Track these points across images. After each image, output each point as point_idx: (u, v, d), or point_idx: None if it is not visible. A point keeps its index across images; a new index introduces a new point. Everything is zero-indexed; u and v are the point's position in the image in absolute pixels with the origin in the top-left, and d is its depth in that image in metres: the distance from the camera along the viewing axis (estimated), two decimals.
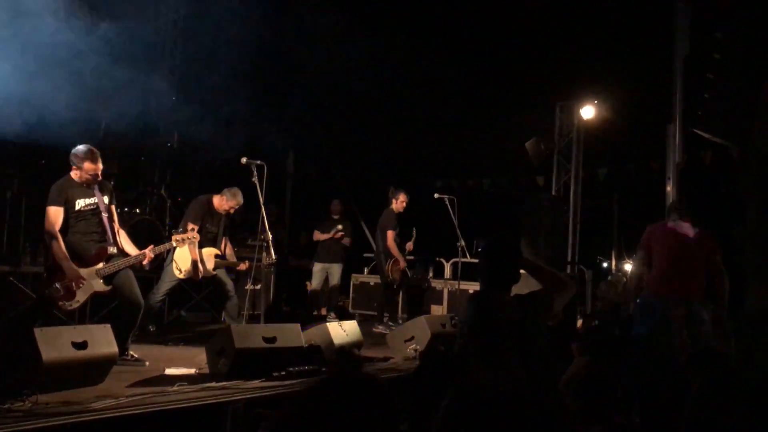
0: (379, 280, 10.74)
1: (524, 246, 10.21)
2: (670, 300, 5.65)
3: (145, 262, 5.57)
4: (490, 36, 11.27)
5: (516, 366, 3.14)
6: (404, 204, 8.89)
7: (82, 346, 4.46)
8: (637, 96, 10.41)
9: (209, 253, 6.91)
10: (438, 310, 9.68)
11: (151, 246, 5.63)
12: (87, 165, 5.27)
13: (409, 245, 9.17)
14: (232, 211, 7.06)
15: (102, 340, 4.66)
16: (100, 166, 5.35)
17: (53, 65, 9.67)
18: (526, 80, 11.07)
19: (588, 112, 10.74)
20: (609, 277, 9.75)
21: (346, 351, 5.70)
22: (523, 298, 3.39)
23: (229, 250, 7.21)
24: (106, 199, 5.47)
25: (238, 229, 9.16)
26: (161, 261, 7.56)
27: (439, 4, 11.51)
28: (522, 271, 3.45)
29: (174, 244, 5.97)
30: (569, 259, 10.82)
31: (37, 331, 4.21)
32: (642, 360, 3.95)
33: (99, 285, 5.31)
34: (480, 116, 11.10)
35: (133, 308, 5.46)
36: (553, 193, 11.35)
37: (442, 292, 9.89)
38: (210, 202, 7.01)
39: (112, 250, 5.43)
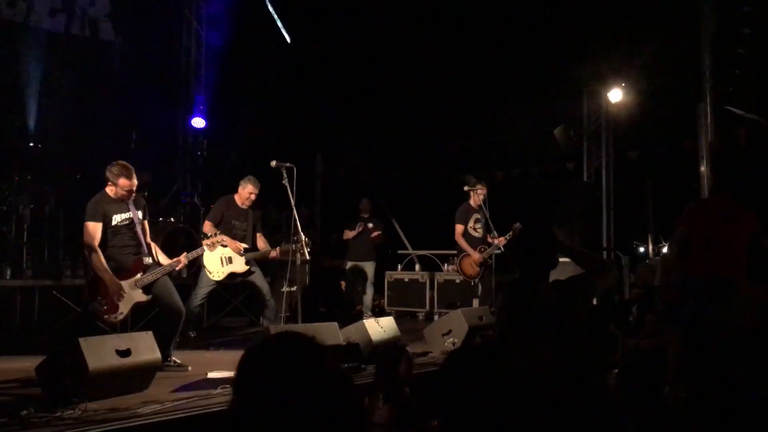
0: (413, 277, 10.79)
1: (558, 234, 10.12)
2: (711, 279, 5.56)
3: (179, 268, 5.67)
4: (515, 24, 11.18)
5: (553, 352, 3.13)
6: (482, 196, 8.28)
7: (125, 353, 4.55)
8: (666, 76, 10.24)
9: (239, 246, 6.90)
10: (474, 302, 9.63)
11: (185, 253, 5.73)
12: (122, 181, 5.38)
13: (500, 239, 8.11)
14: (253, 196, 7.03)
15: (145, 347, 4.74)
16: (135, 181, 5.46)
17: (87, 82, 9.91)
18: (552, 67, 10.96)
19: (616, 95, 10.59)
20: (646, 261, 9.63)
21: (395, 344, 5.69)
22: (562, 284, 3.36)
23: (262, 244, 7.20)
24: (140, 214, 5.59)
25: (271, 231, 9.24)
26: (198, 267, 7.68)
27: None
28: (561, 259, 3.43)
29: (205, 249, 6.03)
30: (604, 245, 10.70)
31: (82, 341, 4.30)
32: (686, 340, 3.90)
33: (139, 295, 5.41)
34: (506, 106, 11.02)
35: (175, 315, 5.56)
36: (585, 179, 11.23)
37: (477, 285, 9.83)
38: (231, 201, 7.05)
39: (148, 260, 5.53)
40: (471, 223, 8.24)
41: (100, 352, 4.39)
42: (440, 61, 11.81)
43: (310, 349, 1.49)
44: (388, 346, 4.33)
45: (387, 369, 4.03)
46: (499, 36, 11.49)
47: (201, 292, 6.82)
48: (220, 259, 6.76)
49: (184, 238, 8.32)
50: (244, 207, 7.01)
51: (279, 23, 11.21)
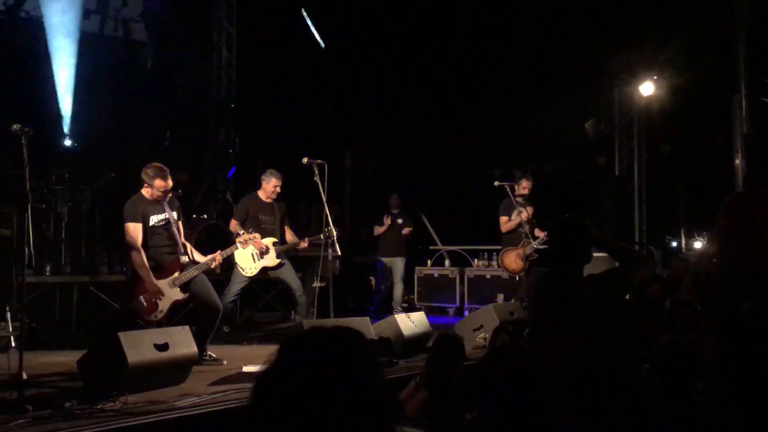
0: (443, 272, 10.80)
1: (593, 228, 10.04)
2: (749, 273, 5.49)
3: (213, 266, 5.78)
4: (544, 17, 11.09)
5: (588, 346, 3.13)
6: (526, 190, 8.14)
7: (163, 347, 4.65)
8: (699, 68, 10.09)
9: (267, 242, 6.98)
10: (497, 298, 9.62)
11: (219, 251, 5.84)
12: (158, 182, 5.50)
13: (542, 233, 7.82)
14: (278, 189, 7.06)
15: (182, 341, 4.84)
16: (170, 183, 5.58)
17: (120, 82, 10.09)
18: (582, 60, 10.86)
19: (647, 88, 10.47)
20: (679, 255, 9.51)
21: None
22: (597, 277, 3.36)
23: (291, 237, 7.26)
24: (174, 215, 5.70)
25: (302, 227, 9.33)
26: (231, 264, 7.79)
27: None
28: (596, 254, 3.43)
29: (239, 246, 6.12)
30: (636, 239, 10.60)
31: (121, 336, 4.41)
32: (722, 334, 3.87)
33: (177, 293, 5.54)
34: (536, 100, 10.95)
35: (212, 311, 5.68)
36: (616, 173, 11.13)
37: (508, 280, 9.81)
38: (255, 197, 7.09)
39: (185, 259, 5.66)
40: (514, 217, 8.08)
41: (139, 347, 4.50)
42: (470, 54, 11.77)
43: (354, 340, 1.49)
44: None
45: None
46: (529, 29, 11.42)
47: (234, 288, 6.90)
48: (252, 255, 6.84)
49: (217, 235, 8.43)
50: (269, 201, 7.06)
51: (315, 32, 11.28)
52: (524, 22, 11.33)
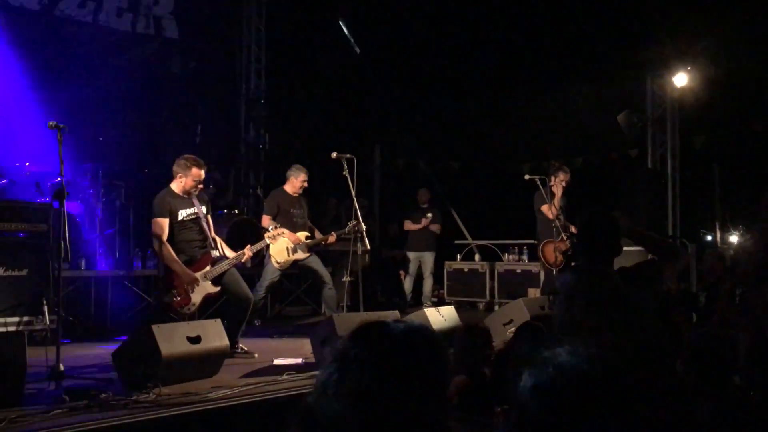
0: (473, 267, 10.76)
1: (625, 220, 9.90)
2: None
3: (244, 260, 5.84)
4: (575, 7, 10.94)
5: (617, 338, 3.10)
6: (564, 184, 7.97)
7: (196, 340, 4.71)
8: (734, 59, 9.89)
9: (300, 236, 7.10)
10: (535, 293, 9.55)
11: (249, 245, 5.89)
12: (195, 170, 5.58)
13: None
14: (305, 184, 7.19)
15: (214, 334, 4.91)
16: (203, 173, 5.63)
17: (153, 79, 10.23)
18: (614, 51, 10.70)
19: (681, 79, 10.29)
20: (714, 249, 9.35)
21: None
22: (628, 271, 3.32)
23: (316, 233, 7.40)
24: (203, 209, 5.75)
25: (331, 222, 9.37)
26: (261, 258, 7.86)
27: None
28: (627, 248, 3.39)
29: (268, 242, 6.16)
30: (670, 233, 10.45)
31: (155, 328, 4.48)
32: (761, 329, 3.79)
33: (209, 287, 5.60)
34: (567, 93, 10.85)
35: (243, 303, 5.74)
36: (649, 166, 10.97)
37: (538, 274, 9.75)
38: (283, 192, 7.24)
39: (216, 253, 5.72)
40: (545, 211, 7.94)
41: (172, 339, 4.56)
42: (500, 48, 11.68)
43: (431, 337, 1.49)
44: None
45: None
46: (560, 20, 11.29)
47: (265, 283, 7.03)
48: (286, 249, 6.96)
49: (248, 230, 8.50)
50: (296, 195, 7.18)
51: (351, 40, 11.29)
52: (555, 13, 11.20)
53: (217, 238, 5.91)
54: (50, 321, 5.43)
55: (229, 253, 5.83)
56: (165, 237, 5.49)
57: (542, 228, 8.05)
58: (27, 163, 7.36)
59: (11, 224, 6.21)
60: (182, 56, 10.80)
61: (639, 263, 3.40)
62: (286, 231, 6.38)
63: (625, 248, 3.43)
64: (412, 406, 1.39)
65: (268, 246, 6.86)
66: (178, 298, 5.47)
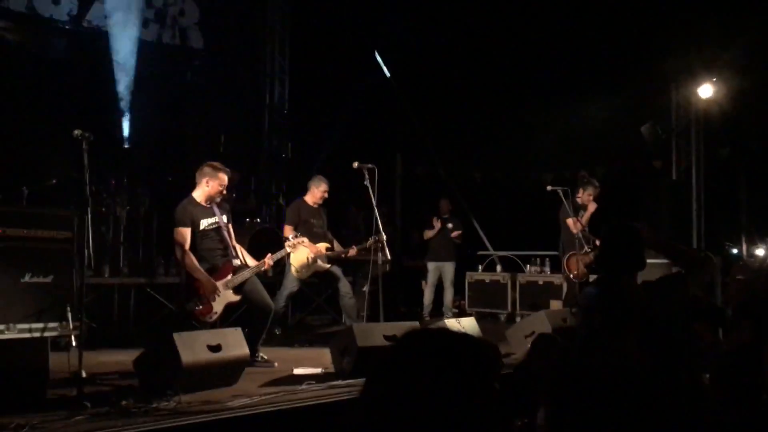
0: (494, 278, 10.69)
1: (650, 231, 9.79)
2: None
3: (264, 269, 5.87)
4: (597, 16, 10.88)
5: (640, 351, 3.06)
6: (591, 197, 7.98)
7: (216, 348, 4.74)
8: (760, 69, 9.76)
9: (321, 247, 7.14)
10: (557, 304, 9.47)
11: (269, 254, 5.91)
12: (221, 176, 5.64)
13: None
14: (326, 195, 7.25)
15: (234, 342, 4.93)
16: (227, 178, 5.66)
17: (177, 88, 10.36)
18: (638, 61, 10.62)
19: (706, 90, 10.17)
20: (740, 263, 9.21)
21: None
22: (653, 285, 3.28)
23: (335, 244, 7.44)
24: (225, 218, 5.78)
25: (351, 232, 9.38)
26: (282, 267, 7.89)
27: None
28: (650, 260, 3.34)
29: (288, 250, 6.17)
30: (695, 246, 10.30)
31: (176, 336, 4.51)
32: None
33: (231, 296, 5.62)
34: (589, 103, 10.77)
35: (264, 311, 5.77)
36: (673, 177, 10.85)
37: (561, 286, 9.67)
38: (303, 202, 7.30)
39: (237, 262, 5.75)
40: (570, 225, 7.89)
41: (193, 347, 4.59)
42: (521, 57, 11.64)
43: (485, 351, 1.48)
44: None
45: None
46: (583, 29, 11.23)
47: (286, 292, 7.07)
48: (307, 258, 6.99)
49: (269, 238, 8.55)
50: (316, 206, 7.21)
51: (383, 67, 11.36)
52: (579, 23, 11.15)
53: (239, 247, 5.95)
54: (73, 327, 5.48)
55: (251, 261, 5.86)
56: (187, 246, 5.52)
57: (566, 240, 8.00)
58: (53, 171, 7.46)
59: (37, 231, 6.28)
60: (207, 66, 10.92)
61: (663, 276, 3.36)
62: (306, 240, 6.41)
63: (649, 260, 3.38)
64: (460, 412, 1.38)
65: (288, 255, 6.92)
66: (201, 307, 5.49)
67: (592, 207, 7.92)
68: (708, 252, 9.82)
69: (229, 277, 5.64)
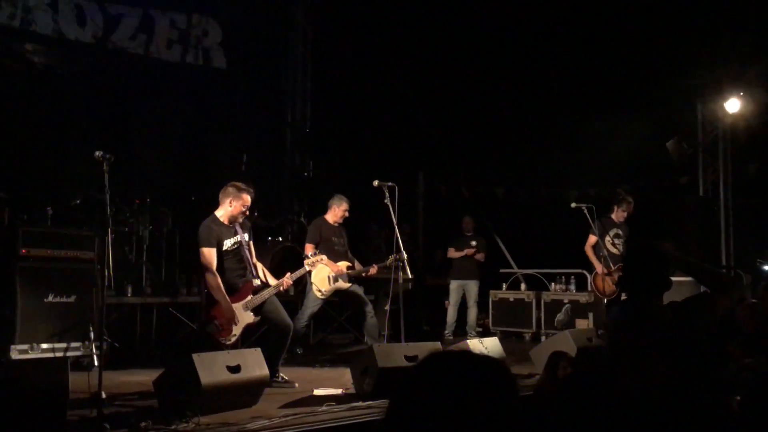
0: (518, 296, 10.56)
1: (675, 249, 9.63)
2: None
3: (284, 288, 5.81)
4: (621, 30, 10.79)
5: (669, 374, 2.96)
6: (624, 214, 7.85)
7: (236, 369, 4.71)
8: None
9: (342, 266, 7.12)
10: (583, 324, 9.32)
11: (288, 273, 5.88)
12: (245, 196, 5.61)
13: None
14: (346, 214, 7.26)
15: (254, 363, 4.90)
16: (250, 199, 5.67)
17: (200, 108, 10.47)
18: (663, 75, 10.50)
19: (733, 105, 10.01)
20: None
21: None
22: (679, 305, 3.18)
23: (355, 263, 7.42)
24: (246, 236, 5.76)
25: (373, 250, 9.34)
26: (303, 285, 7.87)
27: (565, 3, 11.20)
28: (677, 278, 3.26)
29: (307, 268, 6.12)
30: (724, 263, 10.11)
31: (195, 357, 4.49)
32: None
33: (249, 317, 5.58)
34: (613, 118, 10.65)
35: (283, 331, 5.72)
36: (701, 193, 10.67)
37: (586, 304, 9.52)
38: (324, 221, 7.31)
39: (257, 282, 5.71)
40: (609, 237, 7.80)
41: (212, 368, 4.56)
42: (544, 72, 11.58)
43: (504, 374, 1.50)
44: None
45: None
46: (606, 44, 11.14)
47: (307, 311, 7.06)
48: (328, 277, 6.98)
49: (291, 257, 8.54)
50: (336, 224, 7.22)
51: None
52: (601, 37, 11.07)
53: (259, 265, 5.91)
54: (95, 348, 5.49)
55: (272, 280, 5.83)
56: (214, 267, 5.46)
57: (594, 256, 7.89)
58: (77, 191, 7.52)
59: (60, 251, 6.35)
60: (229, 85, 11.01)
61: (690, 297, 3.26)
62: (325, 258, 6.35)
63: (677, 279, 3.30)
64: None
65: (309, 273, 6.91)
66: (220, 329, 5.45)
67: (620, 218, 7.82)
68: (738, 270, 9.62)
69: (249, 297, 5.61)
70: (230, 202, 5.60)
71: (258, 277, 5.76)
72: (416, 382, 1.46)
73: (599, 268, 7.73)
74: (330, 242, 7.12)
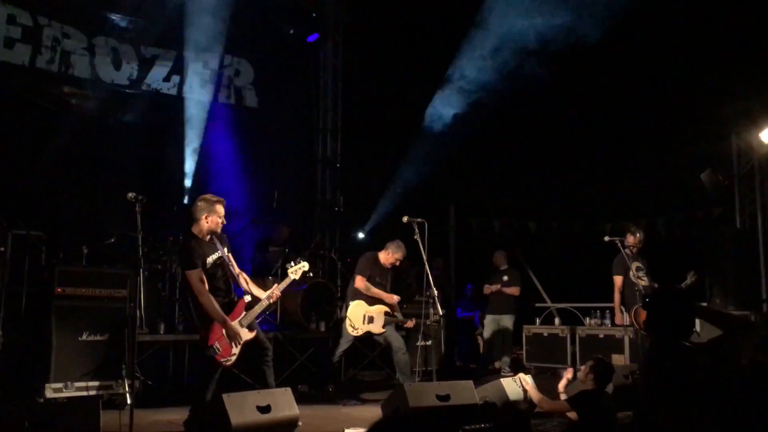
0: (553, 331, 10.37)
1: (712, 286, 9.41)
2: None
3: (272, 301, 5.65)
4: (654, 61, 10.72)
5: (706, 418, 2.87)
6: (634, 248, 7.88)
7: (266, 409, 4.68)
8: None
9: (380, 310, 7.11)
10: (619, 359, 9.10)
11: (276, 285, 5.78)
12: (219, 207, 5.47)
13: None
14: (398, 263, 7.25)
15: (284, 403, 4.87)
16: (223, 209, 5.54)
17: (232, 145, 10.65)
18: (697, 108, 10.38)
19: None
20: None
21: (512, 406, 5.53)
22: (707, 347, 3.11)
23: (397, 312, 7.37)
24: (225, 250, 5.58)
25: (403, 286, 9.29)
26: (335, 322, 7.88)
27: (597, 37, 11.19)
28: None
29: (292, 277, 5.83)
30: (764, 296, 9.84)
31: (225, 397, 4.48)
32: None
33: (246, 334, 5.43)
34: (647, 150, 10.55)
35: (266, 347, 5.59)
36: (738, 225, 10.45)
37: (622, 339, 9.31)
38: (376, 258, 7.30)
39: (248, 298, 5.56)
40: (633, 271, 7.73)
41: (242, 408, 4.55)
42: (577, 107, 11.55)
43: None
44: (508, 407, 4.16)
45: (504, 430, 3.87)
46: (638, 75, 11.08)
47: (341, 347, 7.07)
48: (363, 316, 6.97)
49: (322, 293, 8.54)
50: (386, 266, 7.23)
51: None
52: (633, 70, 11.01)
53: (242, 274, 5.71)
54: (127, 386, 5.53)
55: (255, 290, 5.65)
56: (206, 289, 5.28)
57: (628, 292, 7.76)
58: (113, 230, 7.61)
59: (94, 290, 6.47)
60: (261, 123, 11.18)
61: (714, 339, 3.18)
62: (305, 264, 5.94)
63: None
64: None
65: (346, 308, 6.95)
66: (221, 350, 5.31)
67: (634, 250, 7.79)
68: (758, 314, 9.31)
69: (244, 314, 5.46)
70: (206, 218, 5.43)
71: (248, 292, 5.59)
72: None
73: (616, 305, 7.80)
74: (374, 282, 7.15)
